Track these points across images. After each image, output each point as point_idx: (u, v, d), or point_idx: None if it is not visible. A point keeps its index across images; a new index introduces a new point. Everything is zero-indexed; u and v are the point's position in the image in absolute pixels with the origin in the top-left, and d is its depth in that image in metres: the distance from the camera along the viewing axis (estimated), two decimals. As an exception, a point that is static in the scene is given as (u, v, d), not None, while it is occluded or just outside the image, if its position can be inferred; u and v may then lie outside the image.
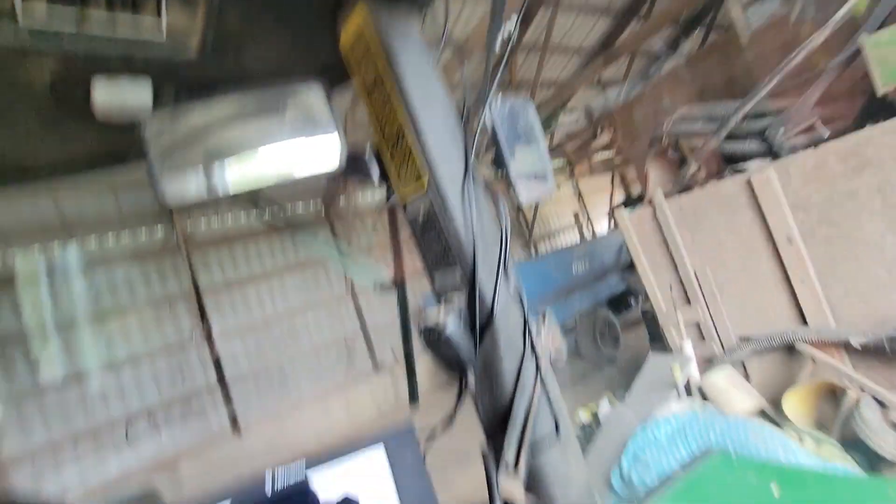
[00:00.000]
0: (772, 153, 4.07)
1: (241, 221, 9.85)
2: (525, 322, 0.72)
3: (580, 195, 15.97)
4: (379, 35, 0.70)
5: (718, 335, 4.62)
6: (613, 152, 13.28)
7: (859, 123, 3.53)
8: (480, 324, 0.68)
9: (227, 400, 8.63)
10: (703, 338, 4.72)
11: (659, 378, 4.66)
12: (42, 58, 0.64)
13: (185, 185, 0.69)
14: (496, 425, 0.72)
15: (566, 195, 15.67)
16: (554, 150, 12.83)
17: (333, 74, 0.79)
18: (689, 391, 4.49)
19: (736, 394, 4.21)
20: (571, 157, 13.71)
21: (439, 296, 0.76)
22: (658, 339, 5.70)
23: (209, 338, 8.81)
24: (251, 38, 0.78)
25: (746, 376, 4.44)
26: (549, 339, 0.76)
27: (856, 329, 3.62)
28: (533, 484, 0.71)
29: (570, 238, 15.30)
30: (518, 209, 13.79)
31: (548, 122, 10.89)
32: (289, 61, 0.84)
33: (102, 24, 0.64)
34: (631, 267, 9.63)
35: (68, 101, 0.76)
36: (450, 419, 0.79)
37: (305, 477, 0.67)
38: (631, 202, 5.27)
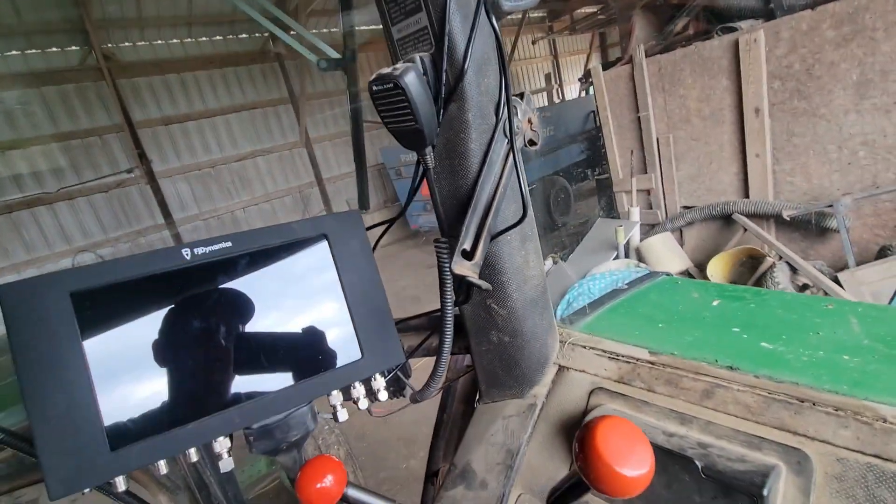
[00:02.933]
0: (767, 14, 3.76)
1: (174, 49, 8.53)
2: (502, 90, 0.60)
3: (555, 55, 14.90)
4: None
5: (665, 204, 4.81)
6: (597, 9, 12.08)
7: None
8: (447, 86, 0.56)
9: (176, 239, 8.45)
10: (651, 206, 4.91)
11: (603, 240, 4.94)
12: None
13: None
14: (455, 212, 0.64)
15: (541, 54, 14.56)
16: (535, -3, 11.47)
17: None
18: (627, 253, 4.82)
19: (668, 256, 4.56)
20: (552, 8, 12.38)
21: (398, 55, 0.61)
22: (608, 211, 5.91)
23: (151, 177, 8.25)
24: None
25: (682, 242, 4.77)
26: (527, 118, 0.65)
27: (790, 203, 3.84)
28: (488, 276, 0.67)
29: (540, 102, 14.67)
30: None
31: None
32: None
33: None
34: (594, 137, 9.55)
35: None
36: (405, 205, 0.72)
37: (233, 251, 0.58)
38: (607, 68, 4.91)
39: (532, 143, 0.66)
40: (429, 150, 0.59)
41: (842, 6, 3.26)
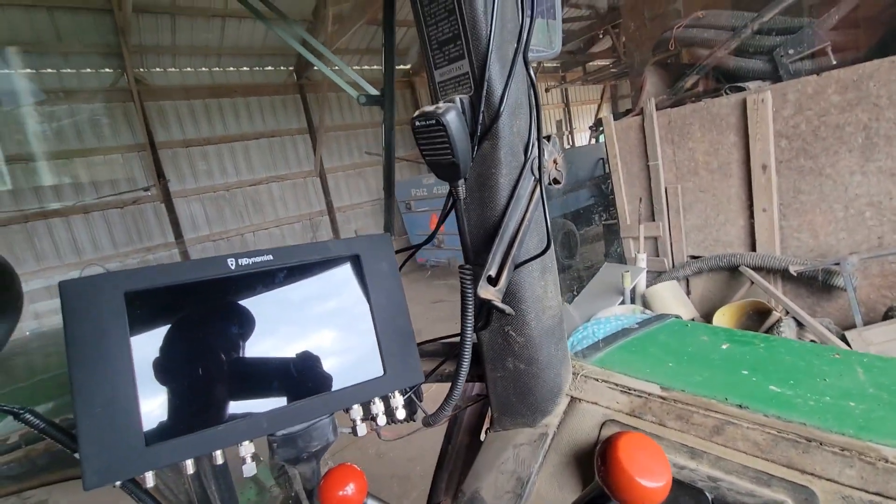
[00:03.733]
0: (773, 76, 3.93)
1: (202, 77, 8.94)
2: (532, 131, 0.65)
3: (567, 104, 15.39)
4: None
5: (672, 252, 4.85)
6: (610, 63, 12.60)
7: (870, 56, 3.41)
8: (483, 126, 0.61)
9: (184, 256, 8.55)
10: (658, 254, 4.95)
11: (609, 284, 4.95)
12: None
13: None
14: (481, 241, 0.69)
15: (553, 102, 15.06)
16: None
17: None
18: (633, 299, 4.82)
19: (674, 304, 4.56)
20: (566, 60, 12.91)
21: (438, 96, 0.67)
22: (613, 256, 5.95)
23: (166, 196, 8.45)
24: None
25: (688, 291, 4.78)
26: (552, 159, 0.70)
27: (797, 259, 3.87)
28: (508, 301, 0.71)
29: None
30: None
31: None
32: None
33: None
34: (602, 183, 9.73)
35: None
36: (433, 233, 0.76)
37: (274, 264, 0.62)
38: (618, 118, 5.08)
39: (556, 181, 0.71)
40: (461, 182, 0.64)
41: (846, 73, 3.40)
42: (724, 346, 0.90)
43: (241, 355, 0.61)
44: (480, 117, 0.62)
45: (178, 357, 0.57)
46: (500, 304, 0.61)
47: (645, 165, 4.73)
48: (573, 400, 0.77)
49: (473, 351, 0.86)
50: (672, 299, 4.66)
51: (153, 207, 8.38)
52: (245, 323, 0.61)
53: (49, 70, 7.36)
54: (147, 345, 0.56)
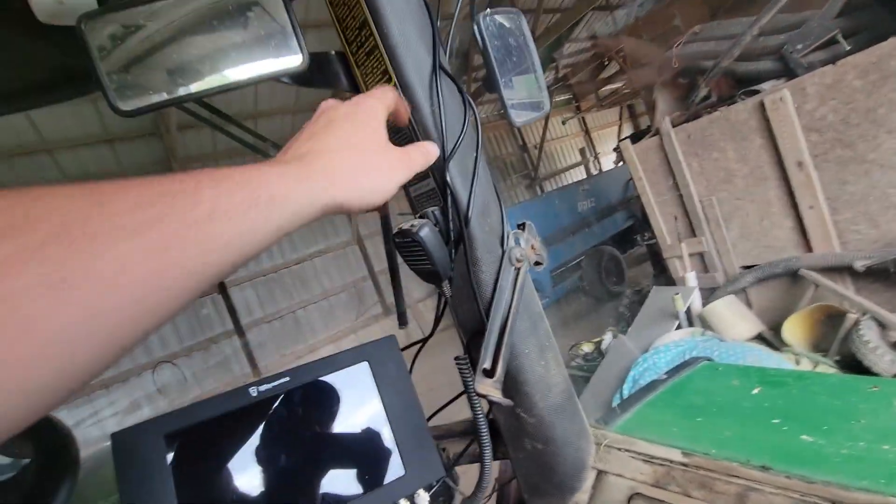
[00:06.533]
0: (787, 73, 3.84)
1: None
2: (502, 224, 0.71)
3: (587, 131, 15.46)
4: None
5: (722, 265, 4.62)
6: (622, 84, 12.69)
7: (884, 34, 3.29)
8: (456, 230, 0.67)
9: (245, 346, 8.98)
10: (707, 269, 4.72)
11: (661, 309, 4.73)
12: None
13: (142, 97, 0.66)
14: (474, 332, 0.73)
15: (573, 131, 15.18)
16: (559, 85, 12.27)
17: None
18: (690, 321, 4.57)
19: (736, 320, 4.27)
20: (577, 90, 13.12)
21: (416, 212, 0.75)
22: (663, 274, 5.73)
23: (222, 288, 9.03)
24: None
25: (749, 304, 4.48)
26: (530, 244, 0.74)
27: (861, 253, 3.59)
28: (512, 387, 0.73)
29: (578, 176, 15.00)
30: (522, 148, 13.46)
31: (554, 46, 10.27)
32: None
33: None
34: (637, 201, 9.54)
35: (11, 18, 0.72)
36: (433, 330, 0.80)
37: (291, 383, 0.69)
38: (640, 136, 5.08)
39: (538, 263, 0.75)
40: (445, 283, 0.69)
41: (863, 57, 3.28)
42: (755, 391, 0.87)
43: (268, 476, 0.66)
44: (452, 225, 0.68)
45: (214, 487, 0.63)
46: (496, 399, 0.64)
47: (673, 183, 4.64)
48: (600, 473, 0.76)
49: (495, 429, 0.87)
50: (733, 315, 4.38)
51: (211, 299, 8.96)
52: (269, 444, 0.67)
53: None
54: (187, 476, 0.63)
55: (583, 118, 15.16)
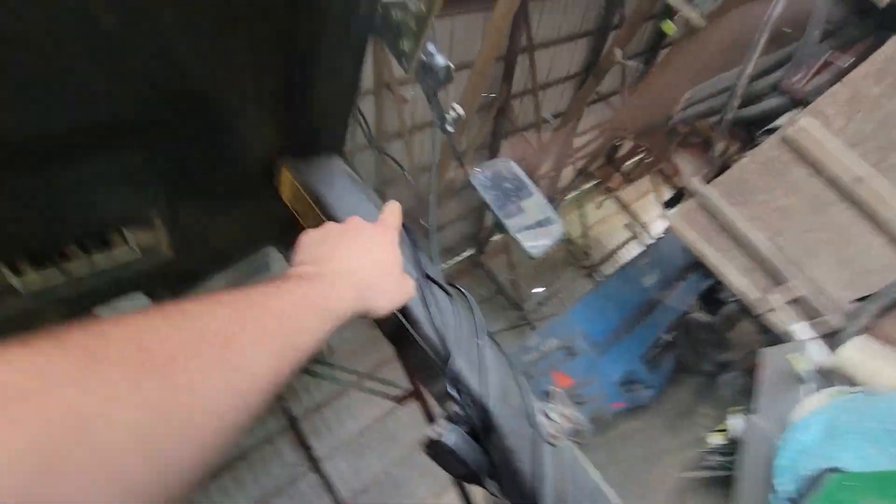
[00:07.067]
0: (796, 104, 3.80)
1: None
2: (524, 399, 0.68)
3: (625, 206, 15.45)
4: (306, 185, 0.76)
5: (827, 306, 4.08)
6: (643, 155, 12.97)
7: (878, 41, 3.27)
8: (479, 426, 0.65)
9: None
10: (810, 315, 4.18)
11: (781, 374, 4.10)
12: (45, 310, 0.75)
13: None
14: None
15: (611, 211, 15.22)
16: (581, 175, 12.71)
17: (291, 230, 0.86)
18: (823, 378, 3.90)
19: (878, 364, 3.60)
20: (601, 175, 13.49)
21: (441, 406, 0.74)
22: (767, 331, 5.10)
23: (315, 463, 8.92)
24: (212, 224, 0.87)
25: (885, 341, 3.81)
26: (562, 414, 0.70)
27: None
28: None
29: (634, 251, 14.58)
30: (568, 240, 13.50)
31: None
32: (253, 230, 0.93)
33: (84, 266, 0.75)
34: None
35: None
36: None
37: None
38: (676, 199, 5.02)
39: (578, 433, 0.70)
40: (489, 482, 0.66)
41: (868, 66, 3.23)
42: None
43: None
44: (475, 418, 0.66)
45: None
46: None
47: (731, 239, 4.38)
48: None
49: None
50: (873, 360, 3.69)
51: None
52: None
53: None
54: None
55: (616, 197, 15.28)
